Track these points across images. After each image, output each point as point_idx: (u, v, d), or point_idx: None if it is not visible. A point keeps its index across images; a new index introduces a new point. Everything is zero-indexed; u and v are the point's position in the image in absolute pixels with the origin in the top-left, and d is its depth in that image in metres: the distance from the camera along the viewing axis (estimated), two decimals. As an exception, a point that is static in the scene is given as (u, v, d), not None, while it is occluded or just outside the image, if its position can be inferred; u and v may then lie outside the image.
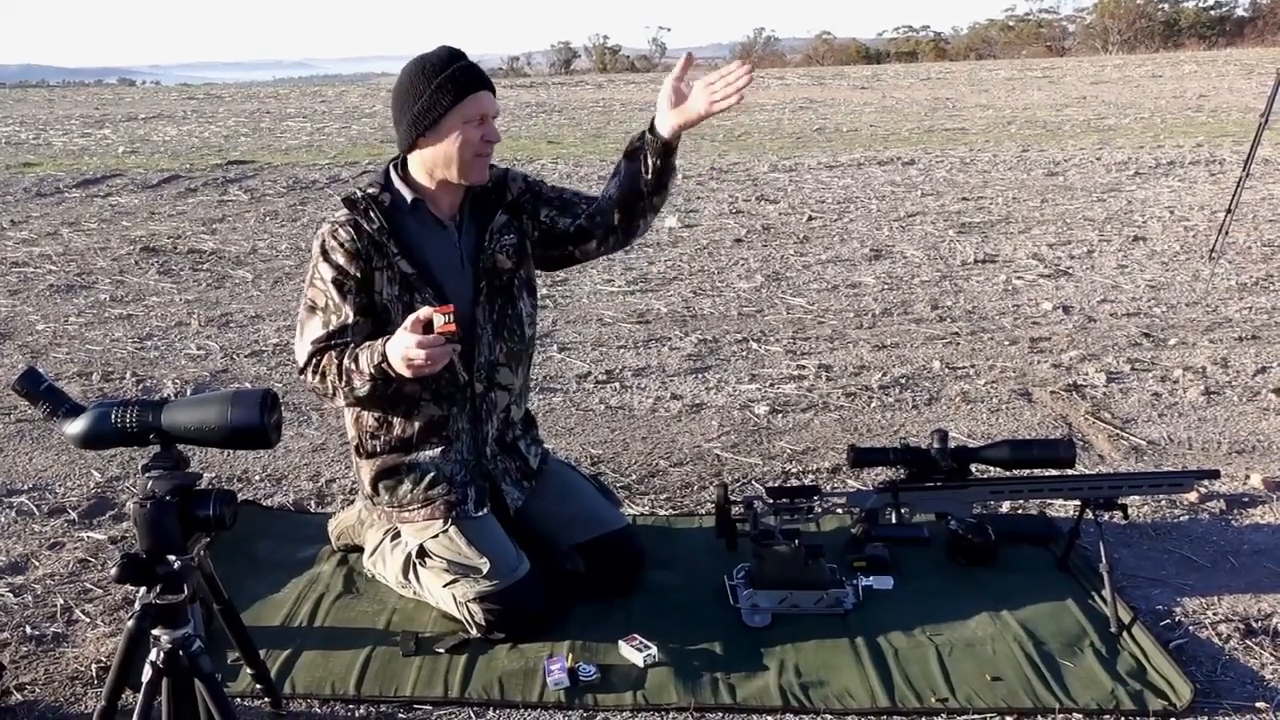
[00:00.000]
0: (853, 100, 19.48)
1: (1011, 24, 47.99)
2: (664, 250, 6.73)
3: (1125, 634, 2.36)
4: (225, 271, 6.28)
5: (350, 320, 2.30)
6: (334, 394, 2.29)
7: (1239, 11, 43.39)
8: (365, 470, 2.48)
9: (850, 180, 9.55)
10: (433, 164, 2.35)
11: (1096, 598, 2.51)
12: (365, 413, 2.44)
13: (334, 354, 2.28)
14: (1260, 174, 8.44)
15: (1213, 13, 43.20)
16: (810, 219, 7.69)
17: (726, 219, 7.77)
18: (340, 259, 2.30)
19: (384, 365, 2.17)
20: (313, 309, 2.32)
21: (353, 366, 2.23)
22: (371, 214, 2.33)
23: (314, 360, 2.30)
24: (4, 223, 7.93)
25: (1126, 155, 10.73)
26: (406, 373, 2.12)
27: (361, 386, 2.24)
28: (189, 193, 9.38)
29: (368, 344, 2.24)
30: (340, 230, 2.31)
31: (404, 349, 2.09)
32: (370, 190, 2.37)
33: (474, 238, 2.45)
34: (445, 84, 2.28)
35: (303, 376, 2.34)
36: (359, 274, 2.30)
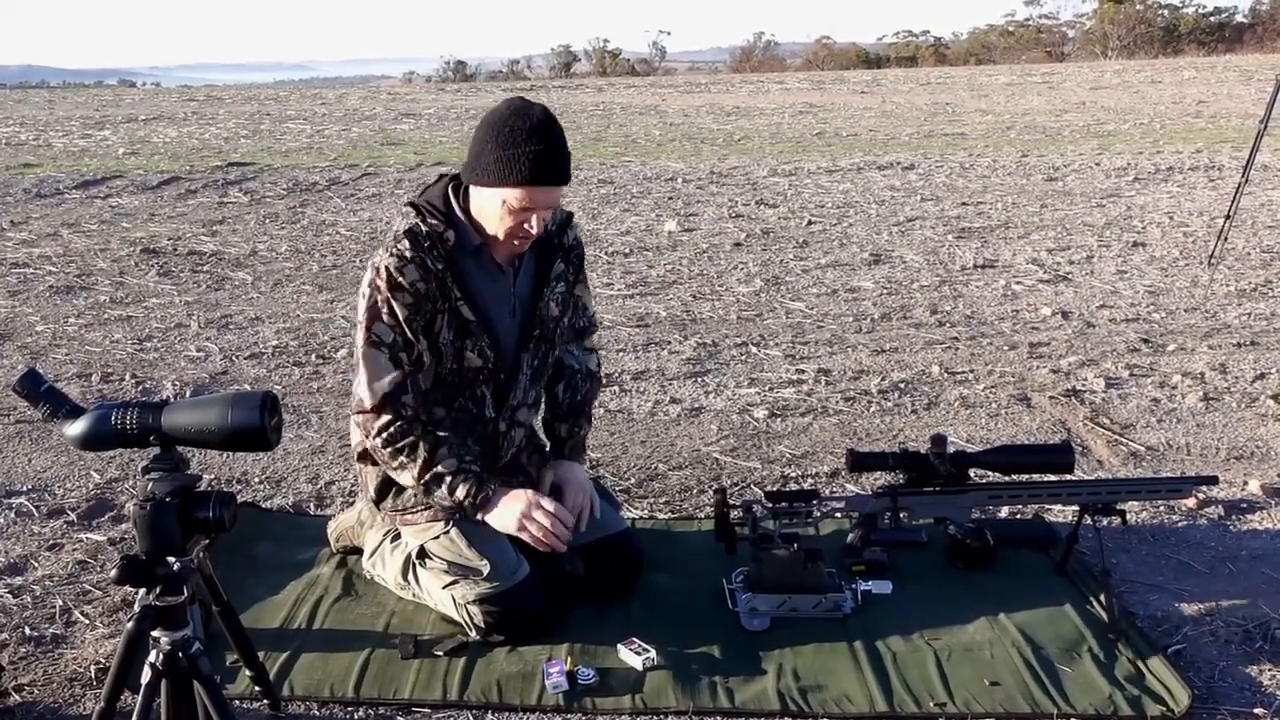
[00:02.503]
0: (852, 105, 19.50)
1: (1011, 29, 48.08)
2: (663, 254, 6.73)
3: (1123, 639, 2.36)
4: (225, 273, 6.28)
5: (425, 362, 2.28)
6: (397, 469, 2.29)
7: (1238, 18, 43.48)
8: (371, 476, 2.47)
9: (850, 185, 9.56)
10: (479, 210, 2.28)
11: (1095, 603, 2.52)
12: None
13: (423, 443, 2.25)
14: (1259, 180, 8.46)
15: (1212, 19, 43.28)
16: (810, 223, 7.70)
17: (726, 223, 7.78)
18: (410, 297, 2.24)
19: (480, 513, 2.27)
20: (378, 345, 2.25)
21: (446, 478, 2.25)
22: (436, 251, 2.26)
23: (386, 414, 2.25)
24: (4, 224, 7.92)
25: (1126, 161, 10.75)
26: (522, 538, 2.24)
27: (440, 500, 2.29)
28: (189, 194, 9.38)
29: (474, 475, 2.28)
30: (409, 268, 2.23)
31: (532, 514, 2.23)
32: (435, 226, 2.28)
33: (529, 281, 2.41)
34: (507, 159, 2.17)
35: (361, 417, 2.28)
36: (426, 314, 2.26)
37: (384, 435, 2.27)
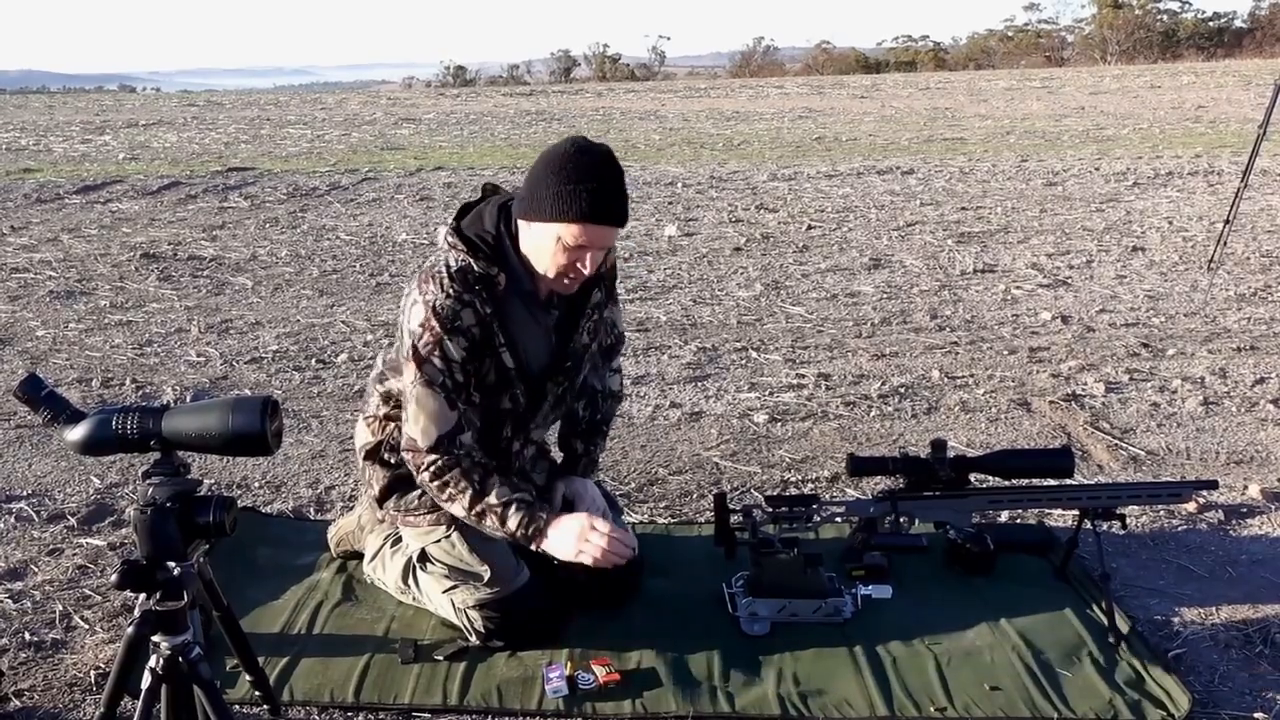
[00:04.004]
0: (852, 110, 19.53)
1: (1010, 34, 48.16)
2: (663, 259, 6.74)
3: (1123, 644, 2.36)
4: (225, 278, 6.28)
5: (476, 400, 2.27)
6: (448, 501, 2.26)
7: (1237, 23, 43.56)
8: (377, 478, 2.47)
9: (849, 189, 9.57)
10: (531, 247, 2.21)
11: (1095, 607, 2.52)
12: (393, 425, 2.41)
13: (471, 476, 2.22)
14: (1258, 185, 8.47)
15: (1211, 24, 43.36)
16: (809, 228, 7.70)
17: (726, 227, 7.78)
18: (465, 340, 2.20)
19: (535, 541, 2.24)
20: (434, 385, 2.20)
21: (498, 510, 2.22)
22: (484, 295, 2.21)
23: (439, 455, 2.22)
24: (4, 228, 7.93)
25: (1125, 166, 10.76)
26: (582, 560, 2.21)
27: (491, 531, 2.26)
28: (189, 199, 9.39)
29: (527, 504, 2.25)
30: (465, 312, 2.19)
31: (589, 537, 2.20)
32: (487, 268, 2.21)
33: (564, 312, 2.37)
34: (565, 194, 2.11)
35: (412, 456, 2.25)
36: (476, 359, 2.24)
37: (432, 470, 2.23)
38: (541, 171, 2.15)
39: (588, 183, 2.11)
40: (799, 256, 6.75)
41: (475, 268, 2.20)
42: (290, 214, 8.58)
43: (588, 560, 2.22)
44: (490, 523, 2.24)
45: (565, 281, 2.23)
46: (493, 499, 2.22)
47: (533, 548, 2.25)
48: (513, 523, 2.22)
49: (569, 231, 2.13)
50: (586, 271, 2.19)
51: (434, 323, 2.18)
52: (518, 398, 2.32)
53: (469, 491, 2.22)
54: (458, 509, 2.26)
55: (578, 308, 2.38)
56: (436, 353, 2.19)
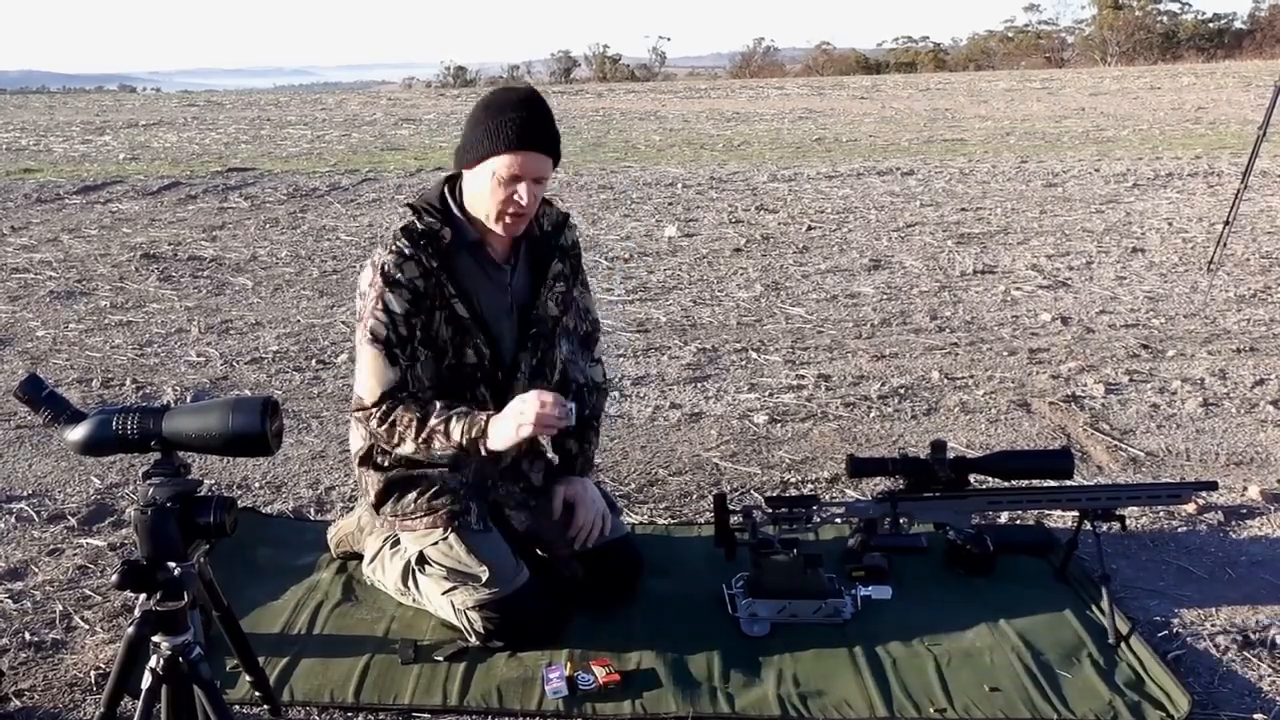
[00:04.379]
0: (852, 110, 19.53)
1: (1011, 35, 48.17)
2: (663, 259, 6.74)
3: (1123, 645, 2.36)
4: (225, 278, 6.29)
5: (420, 356, 2.30)
6: (398, 444, 2.29)
7: (1237, 24, 43.56)
8: (371, 482, 2.47)
9: (849, 190, 9.57)
10: (473, 197, 2.31)
11: (1094, 608, 2.52)
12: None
13: (411, 409, 2.26)
14: (1258, 186, 8.48)
15: (1211, 25, 43.37)
16: (809, 229, 7.71)
17: (726, 228, 7.79)
18: (408, 293, 2.26)
19: (480, 441, 2.21)
20: (377, 341, 2.27)
21: (441, 428, 2.23)
22: (431, 249, 2.28)
23: (384, 405, 2.27)
24: (4, 229, 7.94)
25: (1125, 167, 10.76)
26: (524, 434, 2.18)
27: (442, 450, 2.26)
28: (189, 199, 9.40)
29: (464, 412, 2.25)
30: (407, 265, 2.26)
31: (526, 410, 2.15)
32: (431, 223, 2.31)
33: (526, 280, 2.43)
34: (493, 128, 2.22)
35: (361, 414, 2.30)
36: (424, 311, 2.28)
37: (378, 418, 2.29)
38: (471, 119, 2.29)
39: (512, 114, 2.22)
40: (799, 257, 6.76)
41: (419, 224, 2.30)
42: (290, 214, 8.58)
43: (527, 432, 2.19)
44: (439, 443, 2.25)
45: (508, 221, 2.29)
46: (434, 421, 2.25)
47: (483, 450, 2.24)
48: (457, 433, 2.23)
49: (501, 163, 2.22)
50: (524, 203, 2.25)
51: (378, 279, 2.27)
52: (480, 347, 2.33)
53: (413, 423, 2.25)
54: (409, 445, 2.28)
55: (538, 275, 2.43)
56: (379, 307, 2.27)
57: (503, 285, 2.40)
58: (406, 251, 2.27)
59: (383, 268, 2.27)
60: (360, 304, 2.32)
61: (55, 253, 7.05)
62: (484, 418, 2.23)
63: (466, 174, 2.31)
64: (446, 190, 2.37)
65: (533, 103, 2.26)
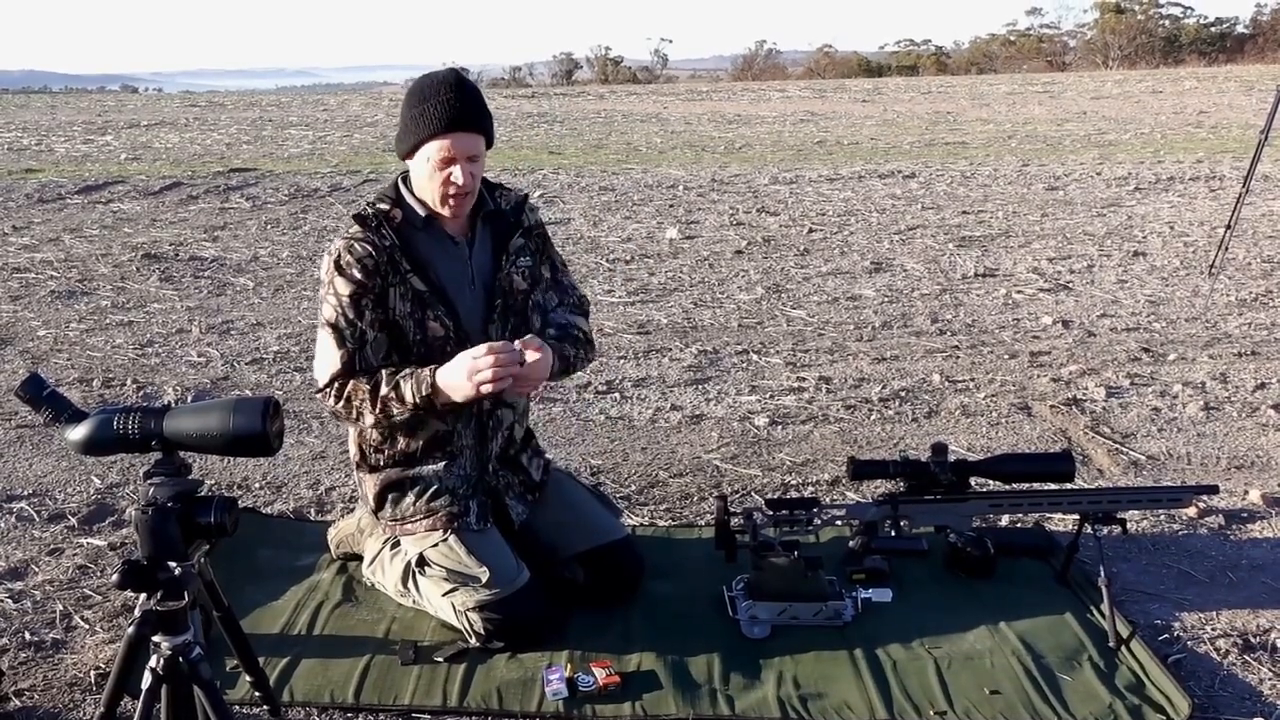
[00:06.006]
0: (854, 113, 19.54)
1: (1013, 39, 48.14)
2: (664, 261, 6.74)
3: (1124, 648, 2.36)
4: (226, 279, 6.29)
5: (370, 337, 2.32)
6: (358, 418, 2.31)
7: (1239, 28, 43.55)
8: (369, 485, 2.48)
9: (851, 193, 9.57)
10: (417, 185, 2.37)
11: (1095, 612, 2.52)
12: (370, 429, 2.43)
13: (362, 381, 2.28)
14: (1260, 190, 8.47)
15: (1213, 29, 43.36)
16: (811, 231, 7.71)
17: (727, 230, 7.79)
18: (357, 274, 2.30)
19: (430, 395, 2.22)
20: (329, 326, 2.32)
21: (392, 395, 2.25)
22: (384, 230, 2.33)
23: (336, 384, 2.30)
24: (6, 228, 7.94)
25: (1127, 170, 10.76)
26: (470, 393, 2.18)
27: (400, 414, 2.27)
28: (190, 200, 9.40)
29: (409, 372, 2.26)
30: (355, 246, 2.31)
31: (475, 363, 2.16)
32: (381, 206, 2.37)
33: (488, 256, 2.45)
34: (422, 114, 2.28)
35: (321, 395, 2.34)
36: (375, 290, 2.31)
37: (334, 395, 2.31)
38: (402, 109, 2.34)
39: (436, 99, 2.27)
40: (800, 260, 6.76)
41: (369, 209, 2.36)
42: (292, 215, 8.59)
43: (489, 390, 2.19)
44: (395, 409, 2.27)
45: (451, 203, 2.33)
46: (384, 389, 2.27)
47: (439, 405, 2.25)
48: (408, 393, 2.25)
49: (433, 148, 2.28)
50: (461, 183, 2.29)
51: (329, 267, 2.33)
52: (443, 319, 2.34)
53: (366, 394, 2.27)
54: (368, 416, 2.30)
55: (498, 249, 2.45)
56: (331, 291, 2.31)
57: (461, 258, 2.42)
58: (360, 233, 2.33)
59: (336, 254, 2.32)
60: (320, 291, 2.37)
61: (57, 252, 7.05)
62: (427, 372, 2.25)
63: (409, 164, 2.37)
64: (400, 182, 2.43)
65: (456, 84, 2.30)
